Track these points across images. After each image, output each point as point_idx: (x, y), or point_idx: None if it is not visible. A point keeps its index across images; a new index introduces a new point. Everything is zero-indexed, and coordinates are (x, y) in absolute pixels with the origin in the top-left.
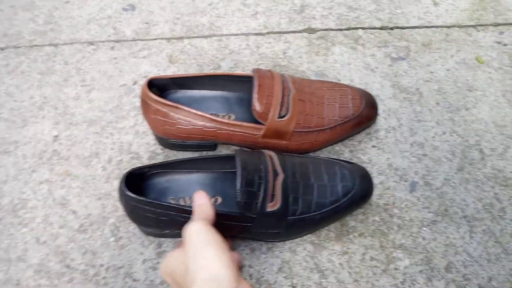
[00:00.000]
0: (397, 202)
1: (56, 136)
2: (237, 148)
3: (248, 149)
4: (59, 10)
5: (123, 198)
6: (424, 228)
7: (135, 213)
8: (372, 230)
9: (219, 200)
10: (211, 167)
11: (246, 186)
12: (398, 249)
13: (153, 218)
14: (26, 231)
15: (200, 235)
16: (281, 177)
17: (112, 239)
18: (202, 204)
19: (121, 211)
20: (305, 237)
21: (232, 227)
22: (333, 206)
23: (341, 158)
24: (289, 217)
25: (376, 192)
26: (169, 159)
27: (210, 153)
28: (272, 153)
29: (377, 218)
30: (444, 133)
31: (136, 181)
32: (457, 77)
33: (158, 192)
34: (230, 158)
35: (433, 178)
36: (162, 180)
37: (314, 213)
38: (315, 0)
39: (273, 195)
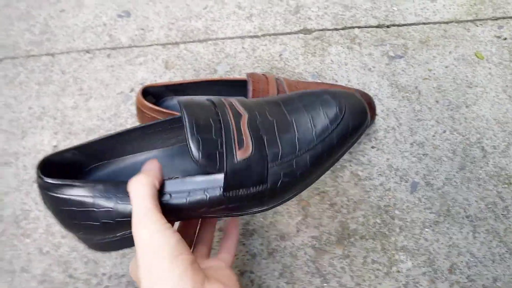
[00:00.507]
0: (398, 203)
1: (55, 146)
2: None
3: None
4: (55, 19)
5: (45, 194)
6: (426, 229)
7: (64, 213)
8: (373, 233)
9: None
10: (163, 141)
11: (198, 133)
12: (400, 251)
13: (91, 216)
14: (29, 242)
15: (148, 241)
16: (245, 117)
17: None
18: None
19: None
20: (306, 241)
21: (202, 201)
22: (322, 137)
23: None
24: (270, 163)
25: (376, 193)
26: (101, 136)
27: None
28: (232, 98)
29: (378, 220)
30: (445, 131)
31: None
32: (456, 73)
33: None
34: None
35: (434, 178)
36: (104, 174)
37: (301, 153)
38: (310, 0)
39: (240, 141)
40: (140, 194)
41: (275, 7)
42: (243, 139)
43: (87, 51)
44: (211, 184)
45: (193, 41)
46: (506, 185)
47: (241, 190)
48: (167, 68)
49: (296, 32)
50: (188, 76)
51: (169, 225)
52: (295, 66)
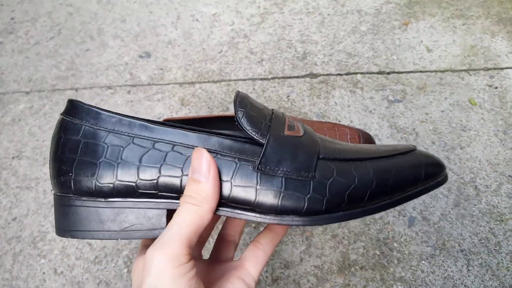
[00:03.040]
0: (397, 236)
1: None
2: None
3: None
4: (80, 58)
5: (63, 121)
6: (422, 262)
7: (70, 143)
8: (373, 263)
9: None
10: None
11: (246, 108)
12: (398, 282)
13: (95, 151)
14: (45, 262)
15: (161, 268)
16: (299, 122)
17: (125, 270)
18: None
19: (134, 243)
20: (308, 270)
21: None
22: (388, 154)
23: None
24: (322, 154)
25: (376, 226)
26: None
27: None
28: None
29: (377, 252)
30: None
31: None
32: (451, 118)
33: None
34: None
35: (431, 213)
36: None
37: (362, 158)
38: (316, 48)
39: (291, 126)
40: (187, 219)
41: (284, 53)
42: (294, 126)
43: (109, 87)
44: (245, 153)
45: (208, 82)
46: (498, 222)
47: (280, 168)
48: (183, 105)
49: (303, 76)
50: (202, 112)
51: (190, 262)
52: (301, 107)
